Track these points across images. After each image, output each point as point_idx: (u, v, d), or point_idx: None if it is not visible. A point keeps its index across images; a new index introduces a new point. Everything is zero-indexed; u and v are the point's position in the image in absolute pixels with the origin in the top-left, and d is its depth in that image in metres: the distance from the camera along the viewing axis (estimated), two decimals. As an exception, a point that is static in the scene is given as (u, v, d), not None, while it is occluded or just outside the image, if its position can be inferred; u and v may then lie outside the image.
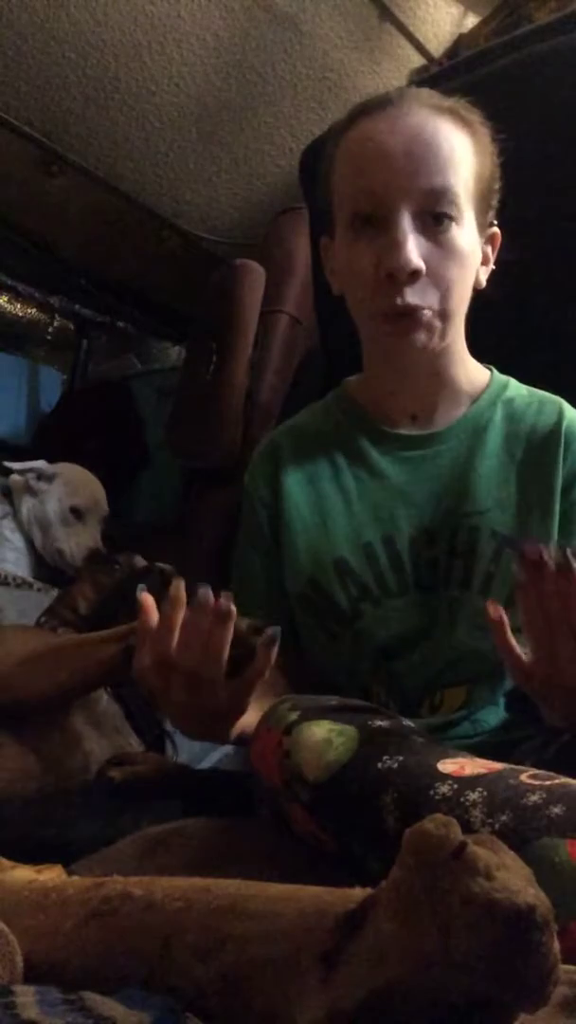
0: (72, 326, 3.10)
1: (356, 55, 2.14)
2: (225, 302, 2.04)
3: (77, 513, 2.10)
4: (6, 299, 2.94)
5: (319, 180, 0.94)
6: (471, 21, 2.13)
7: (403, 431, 0.94)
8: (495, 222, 0.92)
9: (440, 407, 0.94)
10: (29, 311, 3.02)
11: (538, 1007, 0.37)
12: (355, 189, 0.86)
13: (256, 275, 2.05)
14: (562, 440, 0.90)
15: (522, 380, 0.99)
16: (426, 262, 0.83)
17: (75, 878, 0.61)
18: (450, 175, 0.83)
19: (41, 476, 2.13)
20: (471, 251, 0.87)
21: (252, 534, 1.00)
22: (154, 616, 0.72)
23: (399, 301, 0.83)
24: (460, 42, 2.14)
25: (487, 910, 0.35)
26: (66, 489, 2.12)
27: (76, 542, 2.08)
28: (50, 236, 2.64)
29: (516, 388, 0.96)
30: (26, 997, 0.43)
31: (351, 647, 0.91)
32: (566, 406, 0.94)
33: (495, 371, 0.98)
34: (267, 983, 0.42)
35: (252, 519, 1.00)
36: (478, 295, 0.92)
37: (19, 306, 2.98)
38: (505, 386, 0.96)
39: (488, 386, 0.96)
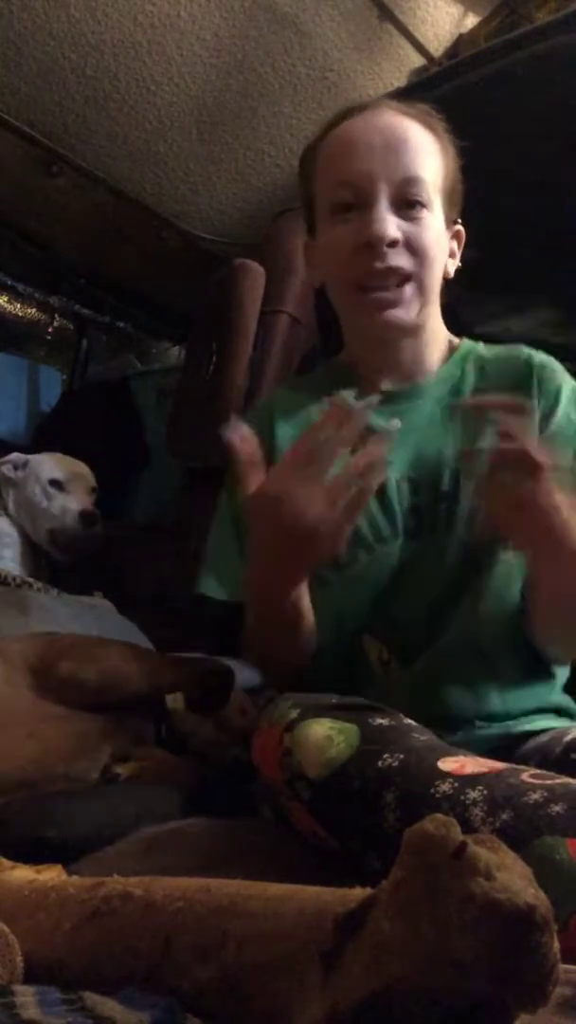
0: (72, 326, 3.10)
1: (356, 55, 2.13)
2: (225, 302, 2.04)
3: (58, 484, 2.11)
4: (6, 299, 2.93)
5: (304, 181, 1.01)
6: (471, 21, 2.13)
7: (384, 388, 0.98)
8: (459, 221, 1.00)
9: (417, 372, 1.00)
10: (29, 311, 3.01)
11: (538, 1007, 0.37)
12: (337, 180, 0.93)
13: (256, 275, 2.05)
14: (534, 379, 0.95)
15: None
16: (403, 234, 0.90)
17: (75, 878, 0.61)
18: (421, 167, 0.92)
19: (16, 466, 2.14)
20: (441, 235, 0.95)
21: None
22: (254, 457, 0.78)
23: (379, 264, 0.90)
24: (460, 42, 2.14)
25: (487, 910, 0.35)
26: (43, 467, 2.14)
27: (62, 508, 2.08)
28: (50, 236, 2.63)
29: (483, 346, 1.03)
30: (26, 997, 0.43)
31: (342, 594, 0.92)
32: (535, 351, 0.99)
33: (465, 339, 1.04)
34: (267, 983, 0.42)
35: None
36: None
37: (19, 306, 2.98)
38: (474, 346, 1.02)
39: (459, 347, 1.02)
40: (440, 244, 0.94)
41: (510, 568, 0.90)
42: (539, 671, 0.92)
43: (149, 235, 2.59)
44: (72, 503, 2.10)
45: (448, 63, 1.98)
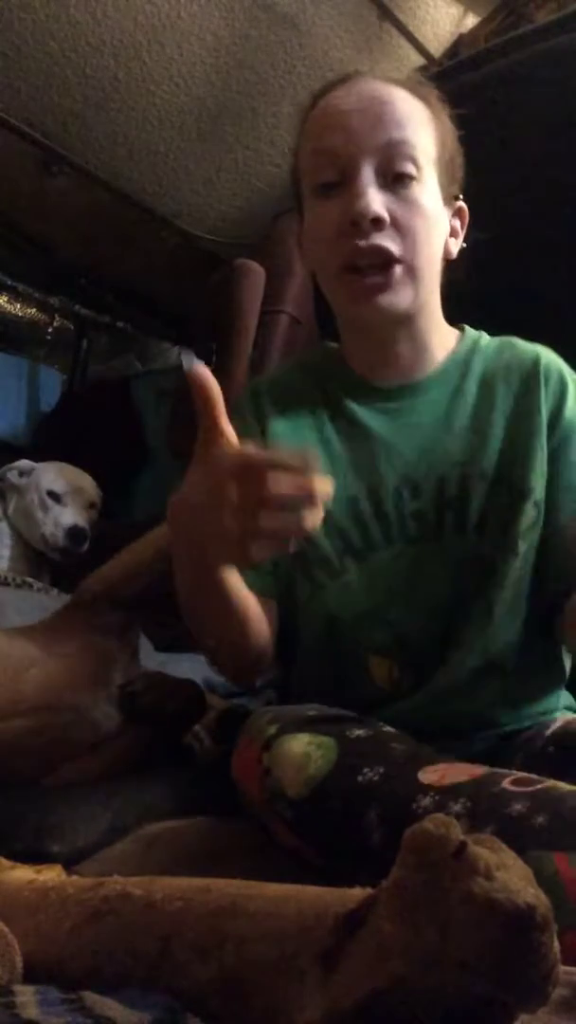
0: (72, 326, 3.10)
1: (356, 55, 2.13)
2: (225, 302, 2.04)
3: (55, 496, 2.14)
4: (6, 299, 2.94)
5: (293, 168, 0.94)
6: (471, 21, 2.13)
7: (382, 385, 0.92)
8: (461, 197, 0.91)
9: (417, 367, 0.92)
10: (29, 311, 3.02)
11: (538, 1007, 0.37)
12: (317, 156, 0.86)
13: (256, 275, 2.05)
14: (541, 379, 0.89)
15: None
16: (390, 213, 0.82)
17: (75, 878, 0.61)
18: (407, 130, 0.83)
19: (22, 472, 2.18)
20: (436, 212, 0.86)
21: None
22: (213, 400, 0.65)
23: (363, 243, 0.81)
24: (460, 42, 2.14)
25: (487, 910, 0.35)
26: (45, 477, 2.17)
27: (55, 521, 2.11)
28: (50, 236, 2.64)
29: (489, 339, 0.96)
30: (26, 997, 0.43)
31: (336, 602, 0.86)
32: (540, 347, 0.93)
33: (467, 328, 0.97)
34: (267, 983, 0.42)
35: None
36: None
37: (19, 306, 2.98)
38: (478, 338, 0.95)
39: (462, 339, 0.95)
40: (435, 222, 0.86)
41: (521, 573, 0.86)
42: (553, 676, 0.90)
43: (149, 235, 2.60)
44: (65, 517, 2.12)
45: (448, 63, 1.98)
